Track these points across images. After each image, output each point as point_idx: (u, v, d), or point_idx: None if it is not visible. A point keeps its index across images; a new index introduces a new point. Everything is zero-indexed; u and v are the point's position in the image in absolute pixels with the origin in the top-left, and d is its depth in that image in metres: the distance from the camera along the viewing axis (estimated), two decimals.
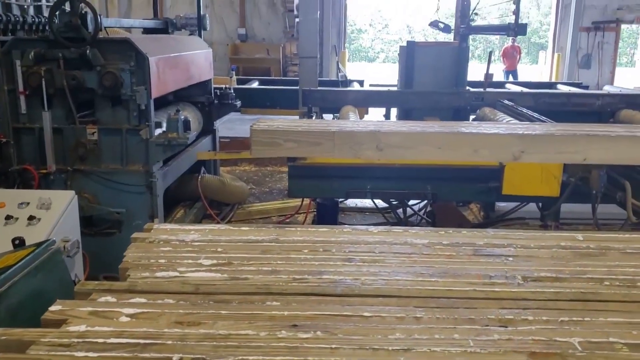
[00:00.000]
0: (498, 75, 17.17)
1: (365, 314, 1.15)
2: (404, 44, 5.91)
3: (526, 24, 4.84)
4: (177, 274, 1.43)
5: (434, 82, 5.68)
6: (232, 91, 5.71)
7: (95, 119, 4.05)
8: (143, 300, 1.30)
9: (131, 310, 1.24)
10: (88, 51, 3.84)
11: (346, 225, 1.91)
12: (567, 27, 17.19)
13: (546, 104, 5.63)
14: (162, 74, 4.20)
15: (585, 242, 1.55)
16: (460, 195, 4.38)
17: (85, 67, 3.90)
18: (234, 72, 9.02)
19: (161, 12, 10.31)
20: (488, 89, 5.86)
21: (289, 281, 1.33)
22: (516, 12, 5.05)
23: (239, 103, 5.70)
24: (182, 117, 4.07)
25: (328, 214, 5.21)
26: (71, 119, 4.03)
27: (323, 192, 4.36)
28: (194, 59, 5.11)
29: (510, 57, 17.00)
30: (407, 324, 1.11)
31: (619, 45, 19.84)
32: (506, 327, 1.10)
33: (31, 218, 2.76)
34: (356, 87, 7.68)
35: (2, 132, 3.98)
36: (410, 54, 5.66)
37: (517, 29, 4.75)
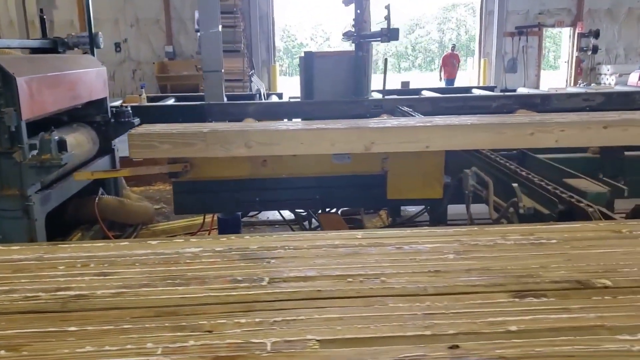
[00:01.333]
0: (438, 84, 17.61)
1: (72, 328, 1.11)
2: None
3: (397, 29, 4.95)
4: None
5: (333, 91, 5.75)
6: (129, 109, 5.60)
7: None
8: None
9: None
10: None
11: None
12: (491, 33, 17.80)
13: (443, 108, 5.77)
14: (38, 94, 4.08)
15: (361, 239, 1.56)
16: (347, 202, 4.42)
17: None
18: (143, 90, 8.90)
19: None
20: (387, 97, 5.95)
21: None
22: (387, 18, 5.15)
23: (136, 121, 5.58)
24: (57, 137, 3.94)
25: (229, 230, 5.17)
26: None
27: (210, 207, 4.31)
28: (82, 78, 4.99)
29: (450, 65, 17.41)
30: (112, 335, 1.08)
31: (545, 48, 20.66)
32: (211, 332, 1.08)
33: None
34: (274, 99, 7.70)
35: None
36: (309, 64, 5.71)
37: (389, 34, 4.86)
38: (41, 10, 5.44)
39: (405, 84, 9.35)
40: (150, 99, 8.79)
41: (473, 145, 3.60)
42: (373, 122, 3.89)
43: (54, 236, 5.09)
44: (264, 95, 8.49)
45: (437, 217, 4.45)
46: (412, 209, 5.97)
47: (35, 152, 3.96)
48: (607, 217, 2.33)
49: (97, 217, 5.16)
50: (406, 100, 5.93)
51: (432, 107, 5.72)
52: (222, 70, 6.49)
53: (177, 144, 3.56)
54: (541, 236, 1.58)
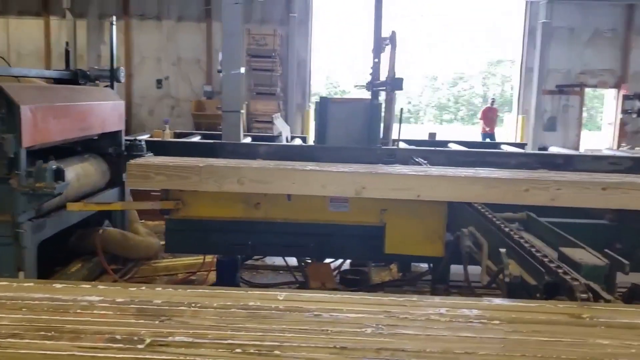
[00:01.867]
0: (479, 137, 17.34)
1: None
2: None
3: (401, 79, 4.84)
4: None
5: (346, 137, 5.64)
6: (143, 143, 5.61)
7: None
8: None
9: None
10: None
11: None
12: (531, 90, 17.50)
13: (460, 161, 5.57)
14: (43, 122, 4.11)
15: (281, 301, 1.40)
16: (343, 253, 4.23)
17: None
18: (167, 126, 9.02)
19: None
20: (402, 146, 5.80)
21: None
22: (391, 65, 5.03)
23: (149, 155, 5.59)
24: (54, 166, 3.94)
25: (227, 273, 5.03)
26: None
27: (202, 247, 4.21)
28: (95, 110, 5.04)
29: (488, 119, 17.12)
30: None
31: (592, 108, 20.19)
32: None
33: None
34: (297, 142, 7.66)
35: None
36: (323, 109, 5.64)
37: (393, 84, 4.75)
38: (67, 44, 5.59)
39: (432, 135, 9.21)
40: (177, 135, 8.90)
41: (464, 198, 3.54)
42: (365, 168, 3.86)
43: (55, 265, 5.07)
44: (287, 138, 8.50)
45: (439, 277, 4.21)
46: (425, 265, 5.73)
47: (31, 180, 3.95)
48: (597, 296, 2.10)
49: (98, 249, 5.12)
50: (421, 152, 5.76)
51: (447, 159, 5.53)
52: (242, 111, 6.49)
53: (171, 177, 3.61)
54: (484, 315, 1.38)
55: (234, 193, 3.96)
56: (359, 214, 4.00)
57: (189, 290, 1.47)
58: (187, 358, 1.12)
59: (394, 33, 7.34)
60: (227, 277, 5.05)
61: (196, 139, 8.21)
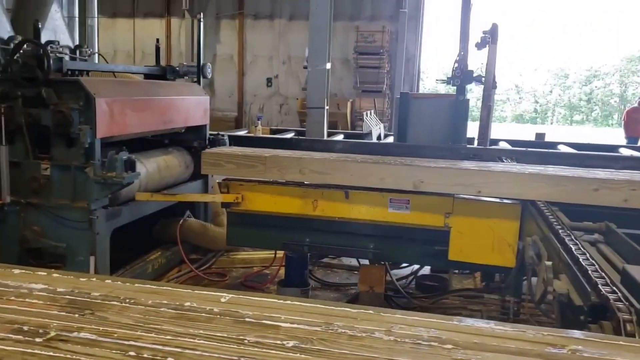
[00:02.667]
0: (619, 141, 15.62)
1: None
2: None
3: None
4: None
5: (428, 136, 5.36)
6: (226, 137, 5.74)
7: (51, 156, 4.21)
8: None
9: None
10: (43, 91, 4.04)
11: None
12: None
13: (553, 164, 5.06)
14: (119, 115, 4.31)
15: (223, 303, 1.27)
16: (403, 257, 3.99)
17: (42, 105, 4.10)
18: (259, 122, 9.16)
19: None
20: (491, 147, 5.40)
21: None
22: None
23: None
24: (125, 157, 4.12)
25: (295, 269, 4.98)
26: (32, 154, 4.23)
27: (260, 242, 4.19)
28: (177, 104, 5.22)
29: (633, 121, 15.15)
30: None
31: None
32: None
33: None
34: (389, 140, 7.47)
35: None
36: (404, 105, 5.40)
37: (487, 80, 4.34)
38: (157, 40, 5.85)
39: (540, 135, 8.54)
40: (273, 131, 9.04)
41: (527, 195, 3.38)
42: (425, 162, 3.80)
43: (139, 252, 5.33)
44: (380, 136, 8.31)
45: (510, 290, 3.84)
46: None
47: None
48: None
49: (177, 239, 5.30)
50: (508, 152, 5.32)
51: (540, 161, 5.05)
52: (327, 108, 6.42)
53: (239, 165, 3.85)
54: (439, 337, 1.16)
55: (292, 189, 3.91)
56: (420, 216, 3.75)
57: (136, 285, 1.41)
58: (74, 356, 1.05)
59: (495, 26, 6.87)
60: (295, 273, 5.00)
61: (290, 135, 8.27)
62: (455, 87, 5.24)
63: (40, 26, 4.19)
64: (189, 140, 5.74)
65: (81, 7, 7.73)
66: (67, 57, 5.38)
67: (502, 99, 38.71)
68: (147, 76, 5.72)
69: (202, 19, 5.76)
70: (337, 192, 3.82)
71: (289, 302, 1.33)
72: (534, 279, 3.03)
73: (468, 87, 5.69)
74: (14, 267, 1.54)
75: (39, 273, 1.47)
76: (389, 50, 15.40)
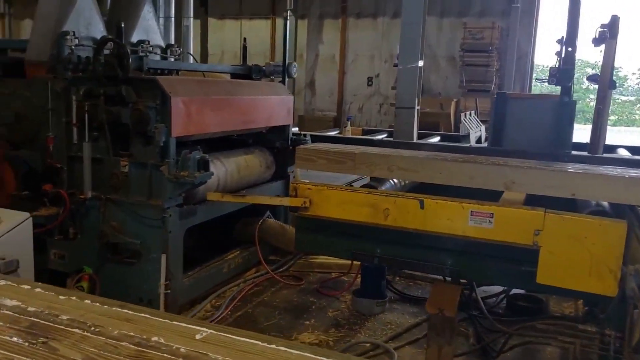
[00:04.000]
0: None
1: None
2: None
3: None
4: None
5: (527, 141, 4.85)
6: (308, 138, 5.60)
7: (130, 153, 4.26)
8: None
9: None
10: (123, 89, 4.10)
11: None
12: None
13: None
14: (196, 114, 4.28)
15: (198, 341, 1.05)
16: (484, 276, 3.58)
17: (122, 103, 4.16)
18: (349, 122, 8.92)
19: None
20: (600, 154, 4.79)
21: None
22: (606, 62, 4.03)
23: None
24: (198, 156, 4.07)
25: (370, 279, 4.72)
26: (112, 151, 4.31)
27: (328, 249, 3.97)
28: (260, 104, 5.13)
29: None
30: None
31: None
32: None
33: None
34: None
35: (59, 159, 4.42)
36: (500, 107, 4.93)
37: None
38: (244, 40, 5.82)
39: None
40: (365, 132, 8.82)
41: (626, 200, 3.22)
42: (517, 162, 3.68)
43: (218, 250, 5.32)
44: (481, 138, 7.75)
45: (611, 322, 3.30)
46: None
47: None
48: None
49: (255, 239, 5.23)
50: (624, 161, 4.68)
51: None
52: (417, 108, 6.06)
53: (330, 161, 3.91)
54: None
55: (361, 195, 3.65)
56: (505, 232, 3.34)
57: (114, 309, 1.24)
58: None
59: (615, 19, 6.15)
60: (371, 284, 4.74)
61: (382, 136, 8.00)
62: (560, 88, 4.69)
63: (123, 25, 4.24)
64: (272, 141, 5.67)
65: (177, 8, 7.95)
66: (157, 57, 5.50)
67: (631, 99, 35.47)
68: (233, 75, 5.71)
69: (288, 17, 5.65)
70: (410, 201, 3.50)
71: (273, 345, 1.09)
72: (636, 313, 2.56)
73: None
74: (5, 279, 1.44)
75: (23, 287, 1.35)
76: (499, 48, 14.57)
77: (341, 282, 5.30)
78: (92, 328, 1.17)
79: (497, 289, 4.87)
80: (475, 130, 7.95)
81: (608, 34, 5.99)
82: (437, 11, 15.43)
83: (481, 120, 13.12)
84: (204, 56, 16.84)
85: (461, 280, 4.27)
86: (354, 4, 16.30)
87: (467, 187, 3.56)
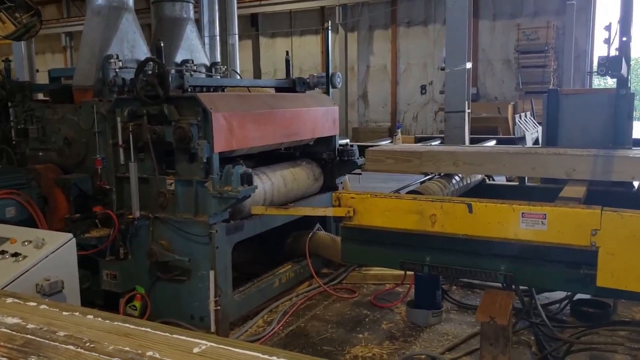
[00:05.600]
0: None
1: None
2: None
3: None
4: None
5: (583, 137, 4.57)
6: (355, 148, 5.51)
7: (175, 171, 4.31)
8: None
9: None
10: (165, 107, 4.16)
11: None
12: None
13: None
14: (238, 128, 4.29)
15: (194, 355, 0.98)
16: (540, 281, 3.34)
17: (165, 122, 4.22)
18: (399, 131, 8.74)
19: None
20: None
21: None
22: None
23: (360, 160, 5.47)
24: (241, 171, 4.05)
25: (425, 289, 4.56)
26: (158, 170, 4.37)
27: (375, 259, 3.85)
28: (303, 116, 5.10)
29: None
30: None
31: None
32: None
33: (16, 255, 3.05)
34: None
35: (107, 180, 4.53)
36: (553, 104, 4.69)
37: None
38: (287, 53, 5.82)
39: None
40: (417, 140, 8.63)
41: None
42: (577, 151, 3.78)
43: (271, 264, 5.29)
44: (538, 140, 7.40)
45: None
46: None
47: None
48: None
49: (306, 252, 5.17)
50: None
51: None
52: (468, 111, 5.86)
53: (397, 160, 4.07)
54: None
55: (405, 202, 3.51)
56: (560, 233, 3.12)
57: (115, 323, 1.19)
58: None
59: None
60: (425, 294, 4.58)
61: (435, 143, 7.80)
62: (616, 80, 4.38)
63: (162, 45, 4.32)
64: (319, 152, 5.62)
65: (222, 27, 8.11)
66: (202, 75, 5.58)
67: None
68: (278, 89, 5.72)
69: (329, 28, 5.61)
70: (458, 206, 3.34)
71: (274, 357, 1.01)
72: None
73: None
74: (12, 296, 1.43)
75: (29, 304, 1.33)
76: (555, 47, 14.04)
77: (395, 293, 5.15)
78: (88, 344, 1.13)
79: (560, 294, 4.59)
80: (532, 132, 7.61)
81: None
82: (489, 14, 15.07)
83: (538, 122, 12.62)
84: (257, 74, 17.11)
85: (521, 287, 4.07)
86: (404, 13, 16.16)
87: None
